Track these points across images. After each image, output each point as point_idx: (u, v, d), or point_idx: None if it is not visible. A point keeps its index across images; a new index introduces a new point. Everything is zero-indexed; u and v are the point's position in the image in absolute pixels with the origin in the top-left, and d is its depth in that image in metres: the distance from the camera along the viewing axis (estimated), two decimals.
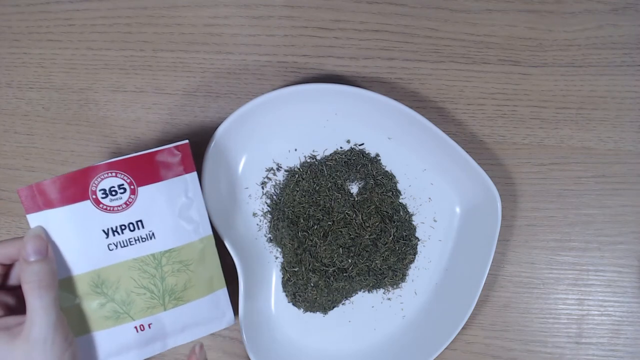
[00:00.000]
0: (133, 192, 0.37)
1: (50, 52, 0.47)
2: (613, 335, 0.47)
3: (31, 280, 0.33)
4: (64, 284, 0.37)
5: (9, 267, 0.38)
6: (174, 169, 0.38)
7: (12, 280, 0.38)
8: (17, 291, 0.38)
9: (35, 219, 0.36)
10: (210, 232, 0.40)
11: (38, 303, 0.33)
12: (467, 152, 0.42)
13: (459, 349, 0.48)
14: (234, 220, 0.45)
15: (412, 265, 0.47)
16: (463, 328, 0.45)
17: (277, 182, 0.46)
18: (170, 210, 0.38)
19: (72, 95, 0.47)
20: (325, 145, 0.46)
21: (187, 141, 0.39)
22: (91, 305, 0.37)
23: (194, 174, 0.39)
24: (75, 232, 0.36)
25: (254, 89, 0.46)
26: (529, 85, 0.45)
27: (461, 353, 0.48)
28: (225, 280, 0.41)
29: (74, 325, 0.37)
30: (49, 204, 0.36)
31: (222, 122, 0.42)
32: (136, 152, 0.37)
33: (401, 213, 0.46)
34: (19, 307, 0.37)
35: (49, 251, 0.35)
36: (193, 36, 0.46)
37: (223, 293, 0.41)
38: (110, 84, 0.47)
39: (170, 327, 0.39)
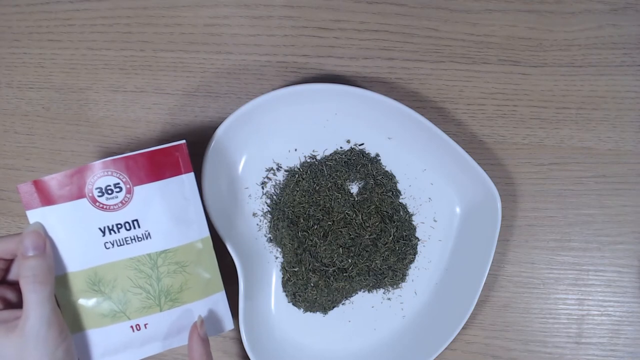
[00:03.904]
0: (129, 191, 0.37)
1: (50, 52, 0.47)
2: (613, 335, 0.47)
3: (27, 275, 0.34)
4: (61, 281, 0.37)
5: (9, 262, 0.38)
6: (170, 169, 0.38)
7: (12, 275, 0.38)
8: (17, 286, 0.38)
9: (34, 216, 0.36)
10: (207, 233, 0.40)
11: (33, 297, 0.33)
12: (467, 152, 0.42)
13: (459, 349, 0.48)
14: (234, 220, 0.45)
15: (412, 265, 0.47)
16: (463, 328, 0.45)
17: (277, 182, 0.46)
18: (166, 211, 0.38)
19: (72, 95, 0.47)
20: (325, 145, 0.46)
21: (184, 141, 0.38)
22: (88, 303, 0.37)
23: (191, 175, 0.39)
24: (73, 230, 0.36)
25: (254, 89, 0.46)
26: (529, 85, 0.45)
27: (461, 353, 0.48)
28: (225, 280, 0.41)
29: (70, 321, 0.37)
30: (47, 201, 0.36)
31: (222, 122, 0.42)
32: (133, 152, 0.37)
33: (401, 213, 0.46)
34: (18, 302, 0.37)
35: (47, 247, 0.35)
36: (193, 36, 0.46)
37: (221, 297, 0.41)
38: (110, 84, 0.47)
39: (167, 329, 0.39)
